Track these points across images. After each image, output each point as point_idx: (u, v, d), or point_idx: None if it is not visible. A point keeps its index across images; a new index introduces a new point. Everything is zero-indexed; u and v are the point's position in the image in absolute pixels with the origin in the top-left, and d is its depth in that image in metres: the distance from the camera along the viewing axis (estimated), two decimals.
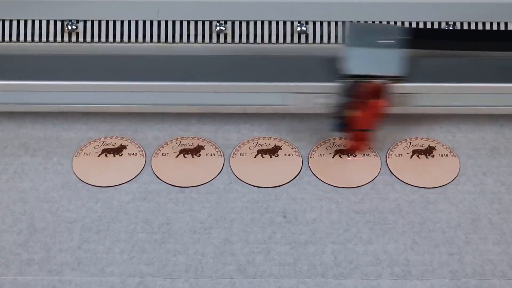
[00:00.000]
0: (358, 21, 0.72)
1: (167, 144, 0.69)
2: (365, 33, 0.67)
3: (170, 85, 0.67)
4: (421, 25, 0.74)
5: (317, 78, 0.66)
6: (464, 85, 0.67)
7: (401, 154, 0.68)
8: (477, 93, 0.67)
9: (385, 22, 0.74)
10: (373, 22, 0.74)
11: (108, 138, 0.70)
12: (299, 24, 0.74)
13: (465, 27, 0.74)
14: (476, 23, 0.74)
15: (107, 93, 0.68)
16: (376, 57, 0.65)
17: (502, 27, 0.75)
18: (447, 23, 0.74)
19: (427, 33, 0.70)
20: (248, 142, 0.69)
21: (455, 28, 0.74)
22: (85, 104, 0.69)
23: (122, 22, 0.75)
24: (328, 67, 0.66)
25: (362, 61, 0.65)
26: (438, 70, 0.68)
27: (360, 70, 0.64)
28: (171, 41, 0.75)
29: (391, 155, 0.68)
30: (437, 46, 0.69)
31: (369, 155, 0.68)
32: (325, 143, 0.69)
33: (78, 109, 0.70)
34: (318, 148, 0.69)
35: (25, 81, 0.68)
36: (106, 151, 0.69)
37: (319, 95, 0.66)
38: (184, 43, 0.74)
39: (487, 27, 0.74)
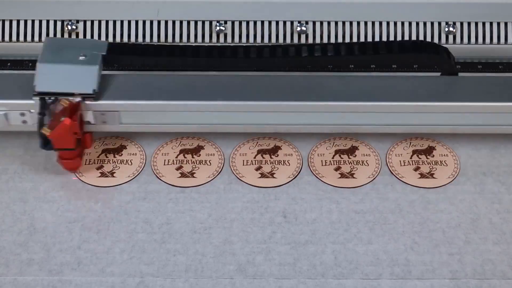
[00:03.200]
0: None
1: (167, 144, 0.69)
2: (60, 49, 0.65)
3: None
4: (421, 25, 0.74)
5: (15, 96, 0.65)
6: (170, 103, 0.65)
7: (401, 154, 0.68)
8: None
9: (385, 22, 0.74)
10: (365, 23, 0.74)
11: (108, 138, 0.70)
12: (299, 24, 0.74)
13: (465, 27, 0.74)
14: (476, 23, 0.74)
15: None
16: (68, 74, 0.63)
17: (502, 27, 0.75)
18: (447, 23, 0.74)
19: (122, 49, 0.68)
20: (248, 142, 0.69)
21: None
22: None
23: (122, 22, 0.75)
24: (23, 84, 0.65)
25: (53, 78, 0.63)
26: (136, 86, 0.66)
27: (50, 87, 0.63)
28: (171, 41, 0.75)
29: (391, 155, 0.68)
30: (132, 61, 0.68)
31: (369, 155, 0.68)
32: (325, 143, 0.69)
33: None
34: (318, 148, 0.69)
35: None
36: (106, 151, 0.69)
37: (16, 113, 0.65)
38: (184, 43, 0.74)
39: (487, 27, 0.75)
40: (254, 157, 0.68)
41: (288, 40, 0.75)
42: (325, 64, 0.71)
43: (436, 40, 0.74)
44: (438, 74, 0.69)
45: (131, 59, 0.67)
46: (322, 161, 0.68)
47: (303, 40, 0.75)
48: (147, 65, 0.68)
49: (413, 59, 0.70)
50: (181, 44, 0.73)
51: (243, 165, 0.67)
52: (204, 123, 0.66)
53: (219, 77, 0.67)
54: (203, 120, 0.66)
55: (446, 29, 0.74)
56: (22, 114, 0.65)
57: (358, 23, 0.74)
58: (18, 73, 0.71)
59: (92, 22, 0.75)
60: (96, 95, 0.64)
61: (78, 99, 0.63)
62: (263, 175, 0.67)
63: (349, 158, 0.68)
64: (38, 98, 0.63)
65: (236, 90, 0.65)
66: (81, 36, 0.74)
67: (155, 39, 0.75)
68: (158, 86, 0.66)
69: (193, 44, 0.73)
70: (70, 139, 0.63)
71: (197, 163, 0.68)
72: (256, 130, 0.68)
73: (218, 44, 0.69)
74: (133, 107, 0.65)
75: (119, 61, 0.68)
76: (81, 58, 0.64)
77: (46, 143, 0.63)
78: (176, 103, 0.65)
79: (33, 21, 0.75)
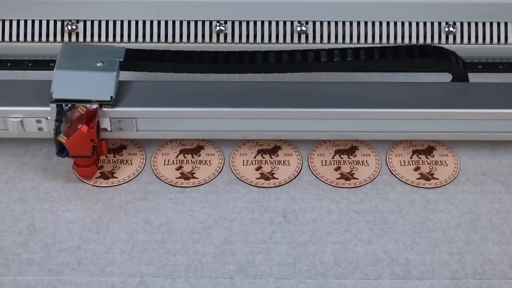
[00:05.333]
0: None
1: (167, 144, 0.69)
2: (76, 55, 0.65)
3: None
4: (420, 25, 0.74)
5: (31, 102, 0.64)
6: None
7: (401, 154, 0.68)
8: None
9: (385, 22, 0.74)
10: (365, 23, 0.74)
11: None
12: (299, 24, 0.74)
13: (465, 27, 0.75)
14: (476, 23, 0.74)
15: None
16: (85, 80, 0.63)
17: (502, 27, 0.75)
18: (447, 23, 0.75)
19: (140, 55, 0.67)
20: (248, 142, 0.69)
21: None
22: None
23: (122, 22, 0.75)
24: (40, 91, 0.64)
25: (70, 85, 0.63)
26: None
27: (67, 95, 0.62)
28: (171, 41, 0.75)
29: (391, 155, 0.68)
30: (149, 67, 0.67)
31: (369, 155, 0.68)
32: (325, 143, 0.69)
33: None
34: (318, 148, 0.69)
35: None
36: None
37: (33, 119, 0.64)
38: (184, 43, 0.75)
39: (487, 27, 0.75)
40: (254, 157, 0.68)
41: (288, 40, 0.75)
42: (327, 69, 0.70)
43: (436, 40, 0.74)
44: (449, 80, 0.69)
45: (148, 65, 0.67)
46: (322, 161, 0.68)
47: (303, 40, 0.75)
48: (165, 71, 0.68)
49: (422, 64, 0.69)
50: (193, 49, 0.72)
51: (243, 165, 0.67)
52: (217, 129, 0.66)
53: (232, 83, 0.66)
54: (221, 126, 0.66)
55: (446, 29, 0.74)
56: (38, 121, 0.64)
57: (358, 23, 0.74)
58: (34, 80, 0.70)
59: (92, 22, 0.75)
60: (113, 102, 0.63)
61: (95, 106, 0.63)
62: (263, 175, 0.67)
63: (349, 158, 0.68)
64: (55, 105, 0.62)
65: (240, 96, 0.65)
66: (81, 36, 0.74)
67: (155, 39, 0.75)
68: (175, 92, 0.65)
69: (210, 50, 0.72)
70: (86, 147, 0.63)
71: (197, 163, 0.68)
72: (256, 137, 0.68)
73: (238, 50, 0.68)
74: (150, 114, 0.64)
75: (136, 67, 0.67)
76: (98, 64, 0.64)
77: (62, 150, 0.63)
78: (193, 110, 0.64)
79: (33, 21, 0.75)
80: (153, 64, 0.66)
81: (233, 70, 0.66)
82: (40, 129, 0.65)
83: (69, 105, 0.62)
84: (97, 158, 0.65)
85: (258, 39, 0.75)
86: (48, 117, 0.64)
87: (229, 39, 0.75)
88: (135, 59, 0.66)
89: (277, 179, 0.66)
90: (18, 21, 0.75)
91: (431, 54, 0.66)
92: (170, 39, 0.75)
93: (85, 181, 0.66)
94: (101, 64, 0.64)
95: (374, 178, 0.66)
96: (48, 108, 0.63)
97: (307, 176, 0.67)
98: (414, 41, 0.74)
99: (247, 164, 0.68)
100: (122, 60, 0.65)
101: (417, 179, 0.66)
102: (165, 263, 0.60)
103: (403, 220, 0.63)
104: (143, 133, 0.66)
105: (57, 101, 0.63)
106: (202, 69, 0.67)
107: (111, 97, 0.63)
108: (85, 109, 0.62)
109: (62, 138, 0.62)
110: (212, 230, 0.62)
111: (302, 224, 0.63)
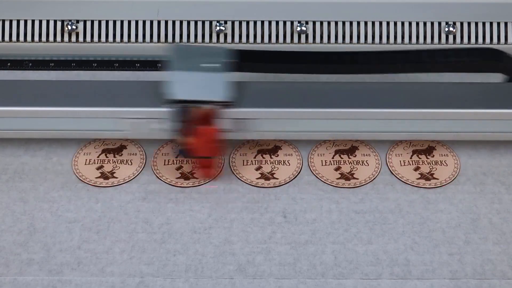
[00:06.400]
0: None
1: (167, 144, 0.69)
2: (189, 56, 0.65)
3: None
4: (420, 25, 0.74)
5: (150, 103, 0.64)
6: (300, 111, 0.65)
7: (401, 154, 0.68)
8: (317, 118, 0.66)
9: (385, 22, 0.74)
10: (365, 23, 0.74)
11: (108, 138, 0.70)
12: (299, 24, 0.74)
13: (465, 27, 0.75)
14: (476, 23, 0.74)
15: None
16: (202, 82, 0.63)
17: (502, 27, 0.75)
18: (447, 23, 0.75)
19: (254, 56, 0.68)
20: (248, 142, 0.69)
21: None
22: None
23: (122, 22, 0.75)
24: (156, 91, 0.64)
25: (187, 86, 0.63)
26: (271, 94, 0.65)
27: (185, 95, 0.62)
28: (171, 41, 0.75)
29: (391, 155, 0.68)
30: (264, 69, 0.67)
31: (369, 155, 0.68)
32: (325, 143, 0.69)
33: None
34: (318, 148, 0.69)
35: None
36: (106, 151, 0.69)
37: (152, 120, 0.64)
38: (185, 43, 0.74)
39: (487, 27, 0.75)
40: (254, 157, 0.68)
41: (288, 40, 0.75)
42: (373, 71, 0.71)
43: (436, 40, 0.74)
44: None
45: (263, 66, 0.67)
46: (322, 161, 0.68)
47: (303, 40, 0.75)
48: (279, 71, 0.68)
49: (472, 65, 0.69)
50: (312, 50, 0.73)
51: (243, 165, 0.67)
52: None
53: (232, 83, 0.66)
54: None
55: (446, 29, 0.74)
56: (154, 122, 0.64)
57: (358, 23, 0.74)
58: (148, 80, 0.69)
59: (92, 22, 0.75)
60: (233, 103, 0.63)
61: (215, 107, 0.63)
62: (263, 175, 0.67)
63: (349, 158, 0.68)
64: (176, 106, 0.62)
65: (240, 96, 0.65)
66: (81, 36, 0.75)
67: (155, 39, 0.75)
68: (295, 93, 0.65)
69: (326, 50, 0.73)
70: (211, 147, 0.63)
71: (197, 163, 0.68)
72: (256, 137, 0.68)
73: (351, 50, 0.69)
74: (271, 115, 0.64)
75: (251, 68, 0.67)
76: (215, 65, 0.64)
77: (183, 151, 0.64)
78: (315, 111, 0.65)
79: (33, 21, 0.75)
80: (267, 65, 0.67)
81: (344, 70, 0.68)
82: (154, 129, 0.65)
83: (189, 106, 0.62)
84: (217, 159, 0.66)
85: (258, 39, 0.75)
86: (165, 118, 0.63)
87: (229, 39, 0.75)
88: (249, 60, 0.66)
89: (277, 179, 0.66)
90: (18, 21, 0.75)
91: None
92: (170, 39, 0.75)
93: (210, 180, 0.66)
94: (216, 65, 0.64)
95: (374, 178, 0.66)
96: (167, 109, 0.63)
97: (307, 176, 0.67)
98: (414, 41, 0.74)
99: (247, 164, 0.68)
100: (237, 60, 0.65)
101: (417, 179, 0.66)
102: (165, 263, 0.60)
103: (403, 220, 0.63)
104: (263, 134, 0.66)
105: (177, 102, 0.62)
106: (317, 70, 0.68)
107: (231, 98, 0.63)
108: (207, 110, 0.62)
109: (186, 139, 0.62)
110: (212, 230, 0.62)
111: (302, 224, 0.63)
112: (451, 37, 0.75)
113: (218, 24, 0.74)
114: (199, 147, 0.63)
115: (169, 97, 0.63)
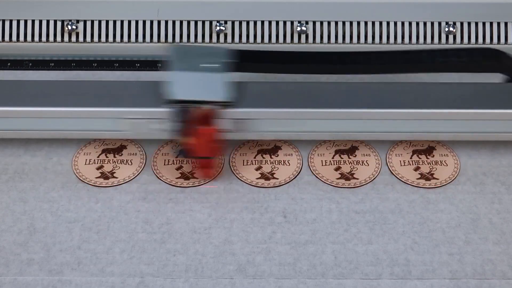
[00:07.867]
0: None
1: (167, 144, 0.69)
2: (189, 56, 0.65)
3: None
4: (420, 25, 0.74)
5: (150, 103, 0.64)
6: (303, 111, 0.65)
7: (401, 154, 0.68)
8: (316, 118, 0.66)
9: (385, 22, 0.74)
10: (365, 23, 0.74)
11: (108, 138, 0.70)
12: (299, 24, 0.74)
13: (465, 27, 0.75)
14: (476, 23, 0.74)
15: None
16: (202, 82, 0.63)
17: (502, 27, 0.75)
18: (447, 23, 0.75)
19: (254, 56, 0.68)
20: (248, 142, 0.69)
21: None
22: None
23: (122, 22, 0.75)
24: (156, 92, 0.64)
25: (187, 86, 0.63)
26: (272, 94, 0.65)
27: (185, 96, 0.62)
28: (171, 41, 0.75)
29: (391, 155, 0.68)
30: (264, 69, 0.67)
31: (369, 155, 0.68)
32: (325, 143, 0.69)
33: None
34: (318, 148, 0.69)
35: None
36: (106, 151, 0.69)
37: (152, 120, 0.64)
38: (184, 43, 0.75)
39: (487, 27, 0.75)
40: (254, 157, 0.68)
41: (288, 40, 0.75)
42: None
43: (436, 40, 0.75)
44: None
45: (263, 66, 0.67)
46: (322, 161, 0.68)
47: (303, 40, 0.75)
48: (279, 71, 0.68)
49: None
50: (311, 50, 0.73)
51: (243, 165, 0.67)
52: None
53: (232, 84, 0.66)
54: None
55: (446, 29, 0.74)
56: (154, 122, 0.64)
57: (358, 23, 0.74)
58: (148, 80, 0.68)
59: (92, 22, 0.75)
60: (233, 103, 0.63)
61: (215, 107, 0.63)
62: (263, 175, 0.67)
63: (349, 158, 0.68)
64: (176, 106, 0.62)
65: (240, 96, 0.65)
66: (81, 36, 0.75)
67: (155, 39, 0.75)
68: (295, 93, 0.65)
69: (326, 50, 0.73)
70: (211, 148, 0.63)
71: (197, 163, 0.68)
72: (256, 137, 0.68)
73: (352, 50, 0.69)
74: (271, 115, 0.64)
75: (251, 68, 0.67)
76: (215, 65, 0.64)
77: (182, 151, 0.64)
78: (315, 111, 0.64)
79: (33, 21, 0.75)
80: (268, 65, 0.67)
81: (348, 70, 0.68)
82: (154, 130, 0.65)
83: (189, 106, 0.62)
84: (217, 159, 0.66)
85: (258, 39, 0.75)
86: (165, 118, 0.63)
87: (229, 39, 0.75)
88: (249, 60, 0.66)
89: (277, 179, 0.66)
90: (18, 21, 0.75)
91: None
92: (170, 39, 0.75)
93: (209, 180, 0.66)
94: (217, 65, 0.64)
95: (374, 178, 0.66)
96: (166, 110, 0.63)
97: (307, 176, 0.67)
98: (414, 41, 0.74)
99: (247, 164, 0.68)
100: (238, 61, 0.65)
101: (417, 179, 0.66)
102: (165, 263, 0.60)
103: (403, 220, 0.63)
104: (262, 134, 0.66)
105: (177, 102, 0.62)
106: (317, 70, 0.68)
107: (231, 98, 0.63)
108: (207, 110, 0.62)
109: (186, 139, 0.62)
110: (212, 230, 0.62)
111: (302, 224, 0.63)
112: (451, 37, 0.75)
113: (218, 24, 0.74)
114: (199, 147, 0.63)
115: (169, 97, 0.63)
